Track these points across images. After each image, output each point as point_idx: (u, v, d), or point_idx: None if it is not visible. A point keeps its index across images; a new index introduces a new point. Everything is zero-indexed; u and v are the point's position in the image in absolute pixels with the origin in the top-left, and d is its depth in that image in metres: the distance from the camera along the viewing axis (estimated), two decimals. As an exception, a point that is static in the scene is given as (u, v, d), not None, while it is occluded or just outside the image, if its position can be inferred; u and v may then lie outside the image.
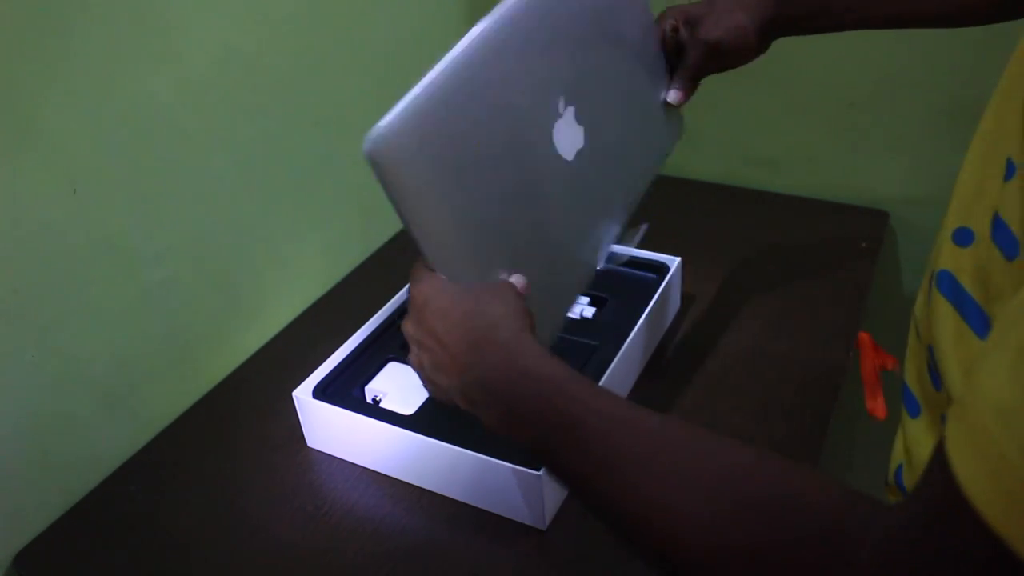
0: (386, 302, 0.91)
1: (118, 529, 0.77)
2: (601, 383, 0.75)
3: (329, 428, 0.80)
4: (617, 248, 0.74)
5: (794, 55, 1.15)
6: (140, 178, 0.80)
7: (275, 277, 0.99)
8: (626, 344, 0.80)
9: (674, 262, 0.92)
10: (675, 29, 0.73)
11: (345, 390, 0.81)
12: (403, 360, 0.83)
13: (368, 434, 0.77)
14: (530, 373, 0.48)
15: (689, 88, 0.75)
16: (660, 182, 1.26)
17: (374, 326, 0.88)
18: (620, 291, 0.90)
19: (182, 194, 0.84)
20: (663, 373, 0.88)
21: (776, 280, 1.01)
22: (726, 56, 0.72)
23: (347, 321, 1.01)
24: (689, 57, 0.72)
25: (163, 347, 0.86)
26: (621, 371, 0.80)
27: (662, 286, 0.88)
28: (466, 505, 0.75)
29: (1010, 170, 0.49)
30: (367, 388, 0.82)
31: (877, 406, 0.86)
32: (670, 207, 1.19)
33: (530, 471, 0.68)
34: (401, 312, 0.89)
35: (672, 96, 0.74)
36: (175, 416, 0.88)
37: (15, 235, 0.70)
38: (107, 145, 0.76)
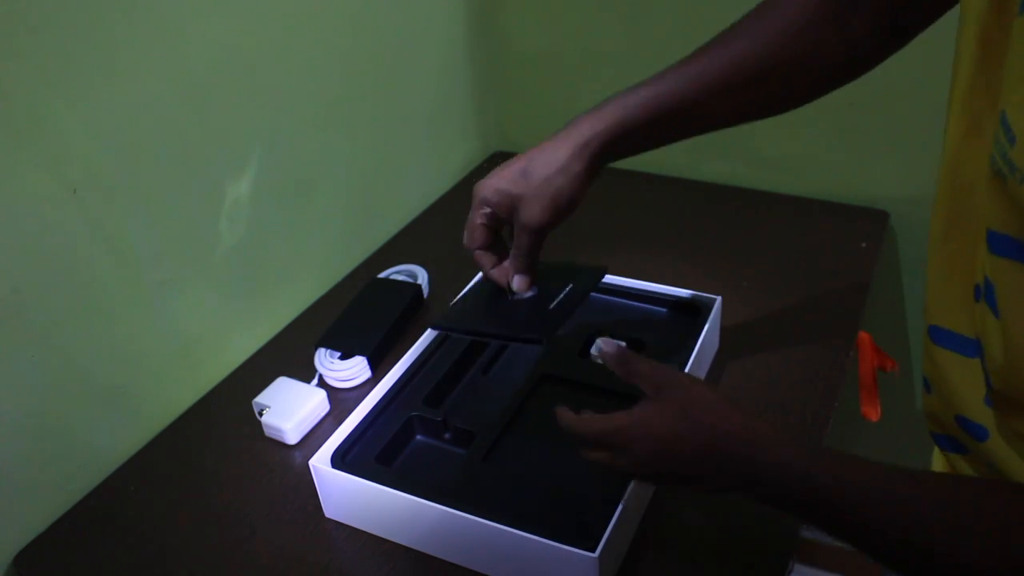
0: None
1: (118, 529, 0.77)
2: None
3: (353, 499, 0.73)
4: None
5: (794, 55, 1.15)
6: (140, 178, 0.80)
7: (275, 277, 0.99)
8: None
9: (715, 301, 0.86)
10: (489, 221, 0.67)
11: (367, 455, 0.74)
12: (428, 418, 0.79)
13: (399, 508, 0.69)
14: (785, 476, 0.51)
15: (532, 269, 0.68)
16: (660, 182, 1.26)
17: (394, 380, 0.82)
18: (658, 333, 0.85)
19: (182, 194, 0.84)
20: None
21: (776, 280, 1.01)
22: (557, 220, 0.65)
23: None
24: (522, 244, 0.65)
25: (163, 347, 0.86)
26: None
27: (704, 332, 0.82)
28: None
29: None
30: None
31: (871, 408, 0.86)
32: (670, 207, 1.20)
33: (585, 553, 0.62)
34: (423, 363, 0.84)
35: (517, 284, 0.68)
36: (175, 416, 0.88)
37: (15, 235, 0.70)
38: (107, 145, 0.76)
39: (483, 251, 0.68)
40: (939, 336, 0.54)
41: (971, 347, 0.51)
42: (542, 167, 0.62)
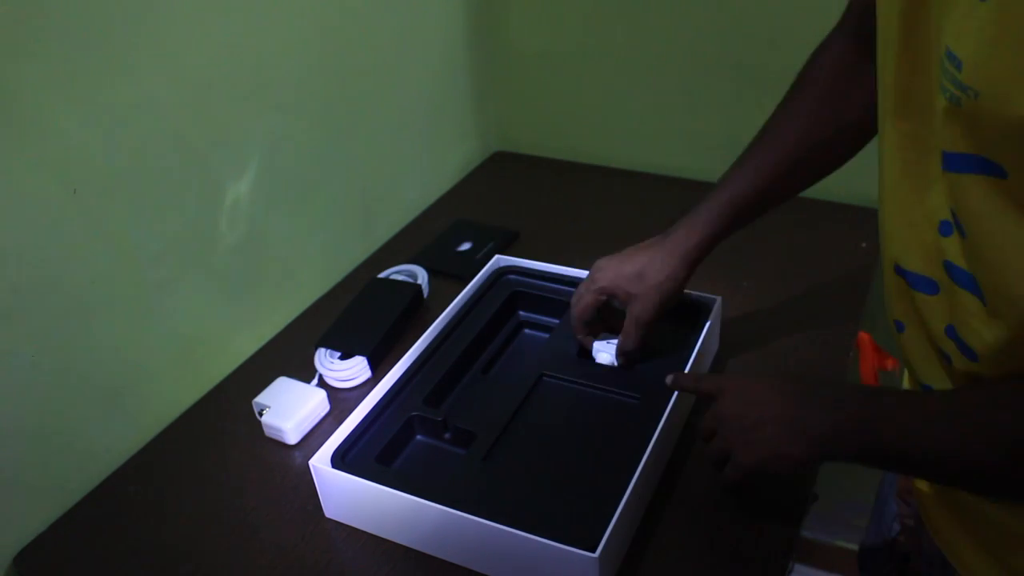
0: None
1: (118, 529, 0.77)
2: (648, 449, 0.70)
3: (353, 499, 0.73)
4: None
5: (794, 55, 1.15)
6: (140, 178, 0.80)
7: (275, 277, 0.99)
8: (669, 406, 0.74)
9: (715, 302, 0.87)
10: (598, 302, 0.81)
11: (367, 455, 0.74)
12: (428, 418, 0.79)
13: (399, 508, 0.69)
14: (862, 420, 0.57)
15: (633, 354, 0.82)
16: (661, 182, 1.26)
17: (394, 380, 0.82)
18: (658, 333, 0.83)
19: (182, 194, 0.84)
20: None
21: (776, 280, 1.01)
22: (663, 316, 0.79)
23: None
24: (630, 333, 0.79)
25: (163, 347, 0.86)
26: (667, 432, 0.74)
27: (704, 332, 0.82)
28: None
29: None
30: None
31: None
32: (671, 207, 1.19)
33: (585, 553, 0.62)
34: (423, 363, 0.84)
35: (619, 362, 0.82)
36: (175, 416, 0.88)
37: (15, 235, 0.70)
38: (107, 145, 0.76)
39: (585, 321, 0.83)
40: (908, 276, 0.57)
41: (930, 286, 0.55)
42: (655, 274, 0.77)
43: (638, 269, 0.78)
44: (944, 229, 0.52)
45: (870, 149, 1.13)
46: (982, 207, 0.48)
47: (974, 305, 0.51)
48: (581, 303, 0.81)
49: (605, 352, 0.83)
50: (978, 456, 0.51)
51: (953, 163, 0.49)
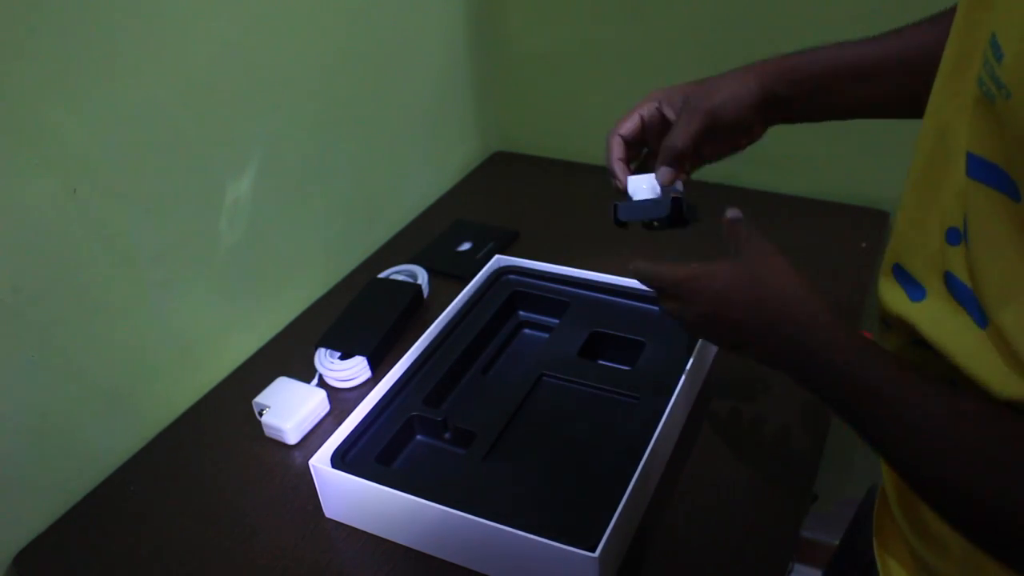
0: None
1: (118, 529, 0.77)
2: (648, 449, 0.69)
3: (353, 499, 0.73)
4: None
5: (794, 55, 1.15)
6: (140, 178, 0.80)
7: (275, 277, 0.99)
8: (669, 406, 0.74)
9: None
10: (648, 114, 0.69)
11: (367, 456, 0.74)
12: (428, 418, 0.79)
13: (399, 508, 0.69)
14: (828, 346, 0.52)
15: (676, 165, 0.69)
16: (660, 182, 1.26)
17: (394, 380, 0.82)
18: (658, 333, 0.85)
19: (182, 194, 0.84)
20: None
21: (776, 280, 1.01)
22: (721, 129, 0.68)
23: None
24: (680, 128, 0.67)
25: (163, 347, 0.86)
26: (667, 432, 0.74)
27: None
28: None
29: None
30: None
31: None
32: (670, 207, 1.20)
33: (585, 552, 0.62)
34: (423, 363, 0.84)
35: (663, 177, 0.69)
36: (175, 416, 0.88)
37: (15, 235, 0.70)
38: (107, 145, 0.76)
39: (623, 139, 0.70)
40: (901, 276, 0.55)
41: (919, 292, 0.52)
42: (716, 78, 0.67)
43: (702, 82, 0.68)
44: (951, 237, 0.48)
45: (868, 151, 1.13)
46: (989, 225, 0.43)
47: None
48: (625, 119, 0.68)
49: (643, 183, 0.70)
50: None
51: (974, 169, 0.44)
